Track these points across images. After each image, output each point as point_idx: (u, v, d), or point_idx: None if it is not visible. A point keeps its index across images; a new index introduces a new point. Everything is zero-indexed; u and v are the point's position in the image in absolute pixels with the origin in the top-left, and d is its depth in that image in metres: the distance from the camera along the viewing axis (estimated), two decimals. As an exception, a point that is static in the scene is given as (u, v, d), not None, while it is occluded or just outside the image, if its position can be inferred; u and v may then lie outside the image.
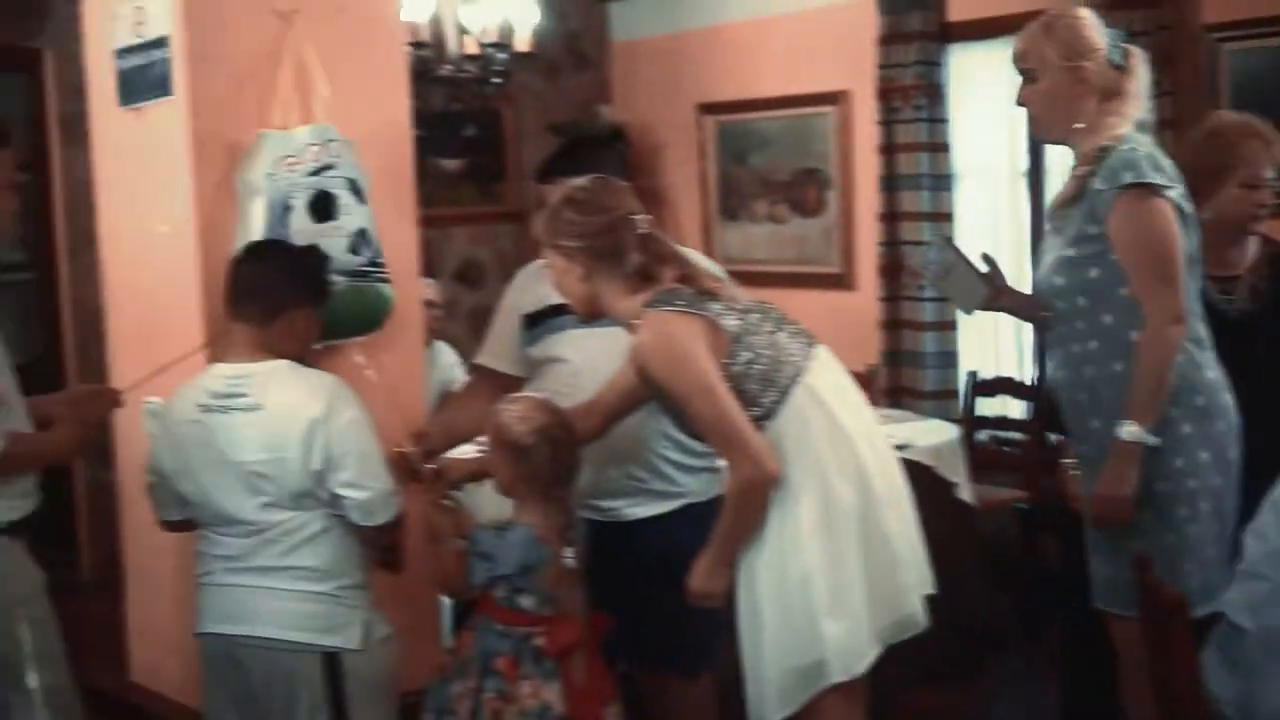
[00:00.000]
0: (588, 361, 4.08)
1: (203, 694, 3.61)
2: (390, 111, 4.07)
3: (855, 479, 3.47)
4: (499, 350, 4.28)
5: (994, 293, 4.07)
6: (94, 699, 4.24)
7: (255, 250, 3.66)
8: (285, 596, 3.47)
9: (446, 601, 4.79)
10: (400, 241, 4.01)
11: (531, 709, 3.58)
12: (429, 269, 8.22)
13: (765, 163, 7.99)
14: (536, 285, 4.24)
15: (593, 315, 3.59)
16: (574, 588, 3.69)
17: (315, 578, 3.48)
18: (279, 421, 3.46)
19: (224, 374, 3.52)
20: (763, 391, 3.39)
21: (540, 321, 4.17)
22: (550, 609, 3.63)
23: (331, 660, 3.47)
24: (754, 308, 3.48)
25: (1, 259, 7.09)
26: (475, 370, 4.37)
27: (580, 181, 3.54)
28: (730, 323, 3.40)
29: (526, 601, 3.60)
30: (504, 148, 8.53)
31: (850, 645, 3.45)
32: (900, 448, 5.51)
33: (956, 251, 4.06)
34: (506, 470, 3.68)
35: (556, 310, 4.15)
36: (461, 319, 8.21)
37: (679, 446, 4.12)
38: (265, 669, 3.47)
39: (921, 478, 5.21)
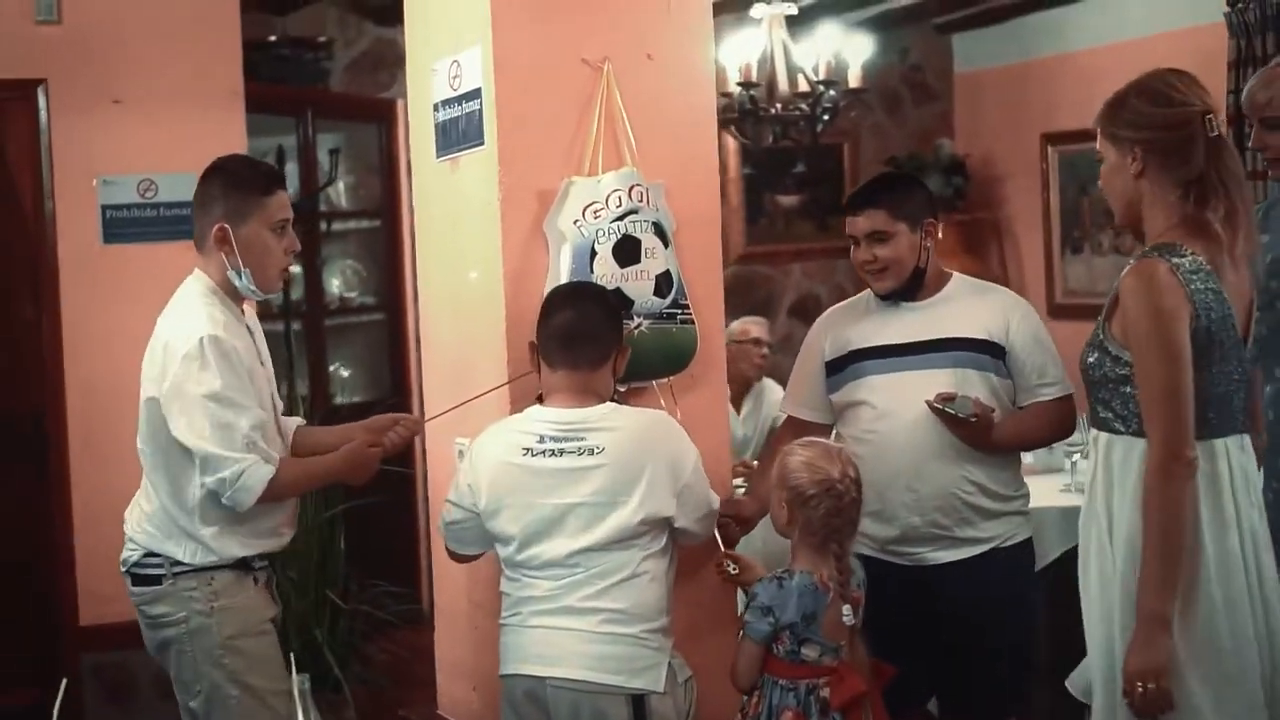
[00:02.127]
0: (890, 404, 4.04)
1: None
2: (698, 157, 4.09)
3: (1253, 549, 3.24)
4: (804, 398, 4.27)
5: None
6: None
7: (575, 296, 3.70)
8: (593, 639, 3.49)
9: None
10: (706, 284, 4.03)
11: None
12: (764, 305, 8.32)
13: (1110, 193, 7.76)
14: (841, 328, 4.22)
15: (1130, 224, 3.33)
16: (853, 643, 3.64)
17: (623, 620, 3.50)
18: (623, 466, 3.52)
19: (549, 418, 3.58)
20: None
21: (842, 367, 4.15)
22: (832, 658, 3.58)
23: (637, 703, 3.48)
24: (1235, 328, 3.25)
25: (354, 301, 7.43)
26: (785, 422, 4.37)
27: (1157, 70, 3.28)
28: (1213, 327, 3.18)
29: (809, 652, 3.57)
30: (843, 182, 8.52)
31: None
32: None
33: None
34: (784, 512, 3.66)
35: (858, 355, 4.13)
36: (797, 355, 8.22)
37: (983, 491, 4.04)
38: (571, 710, 3.50)
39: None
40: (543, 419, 3.59)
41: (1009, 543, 4.08)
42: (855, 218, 4.13)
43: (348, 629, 5.77)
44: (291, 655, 2.88)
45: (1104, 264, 7.83)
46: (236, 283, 3.81)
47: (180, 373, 3.66)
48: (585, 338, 3.61)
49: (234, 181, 3.84)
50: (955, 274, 4.23)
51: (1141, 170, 3.23)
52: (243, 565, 3.81)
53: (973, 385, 4.02)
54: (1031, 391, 4.07)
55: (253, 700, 3.77)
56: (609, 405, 3.62)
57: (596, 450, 3.52)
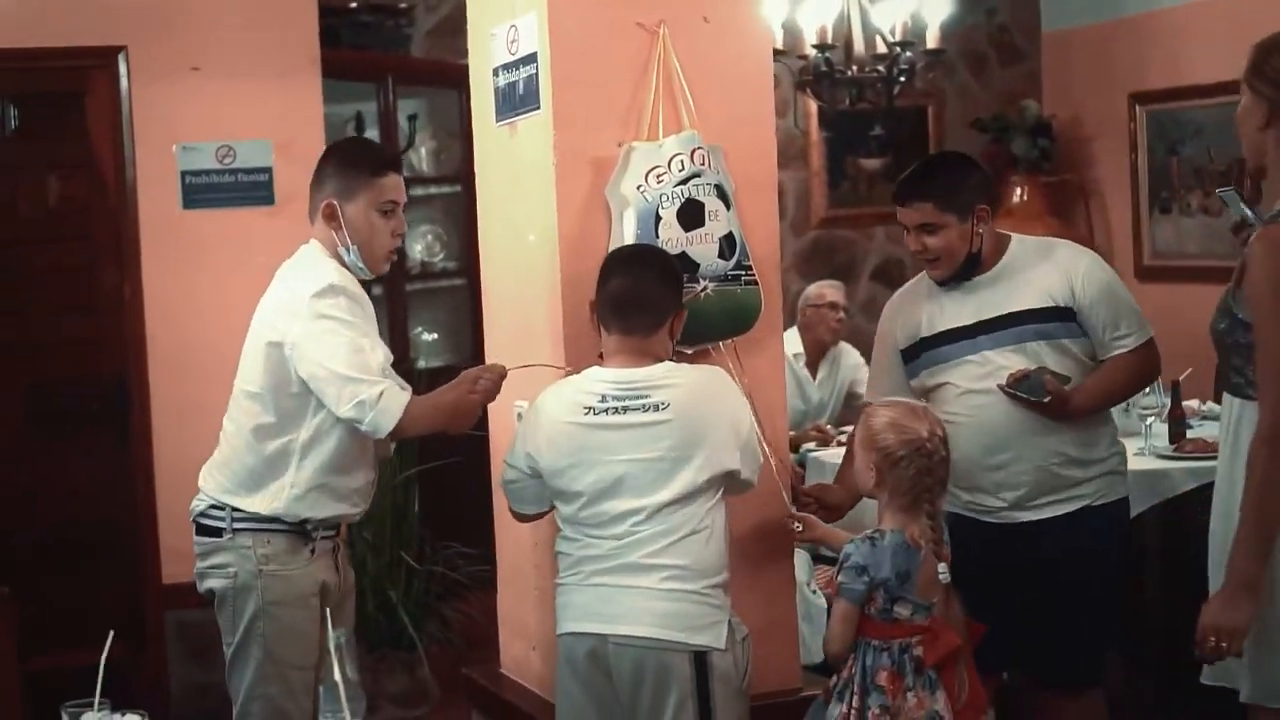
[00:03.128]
0: (969, 385, 4.04)
1: (558, 692, 3.70)
2: (755, 120, 4.07)
3: None
4: (886, 388, 4.26)
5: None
6: (472, 687, 4.47)
7: (631, 261, 3.72)
8: (657, 596, 3.51)
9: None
10: (763, 247, 4.02)
11: None
12: (846, 269, 8.29)
13: (1198, 153, 7.65)
14: (907, 315, 4.20)
15: (1256, 171, 3.32)
16: (948, 600, 3.63)
17: (686, 576, 3.52)
18: (689, 422, 3.55)
19: (610, 378, 3.61)
20: None
21: (916, 354, 4.15)
22: (924, 617, 3.57)
23: (700, 659, 3.51)
24: None
25: (436, 266, 7.49)
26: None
27: None
28: None
29: (903, 611, 3.56)
30: (928, 144, 8.46)
31: None
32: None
33: None
34: (872, 474, 3.65)
35: (928, 343, 4.12)
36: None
37: (1074, 461, 4.03)
38: (635, 667, 3.52)
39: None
40: (603, 379, 3.62)
41: (1100, 501, 4.07)
42: (904, 209, 4.12)
43: (423, 590, 5.85)
44: (328, 610, 2.92)
45: (1192, 225, 7.73)
46: (345, 259, 3.90)
47: (311, 311, 3.73)
48: (637, 305, 3.63)
49: (346, 160, 3.97)
50: (1014, 238, 4.20)
51: (1266, 124, 3.20)
52: (301, 531, 3.87)
53: (1044, 357, 4.00)
54: (1108, 346, 4.04)
55: (272, 668, 3.84)
56: (668, 364, 3.64)
57: (661, 407, 3.55)
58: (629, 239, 3.85)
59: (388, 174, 3.95)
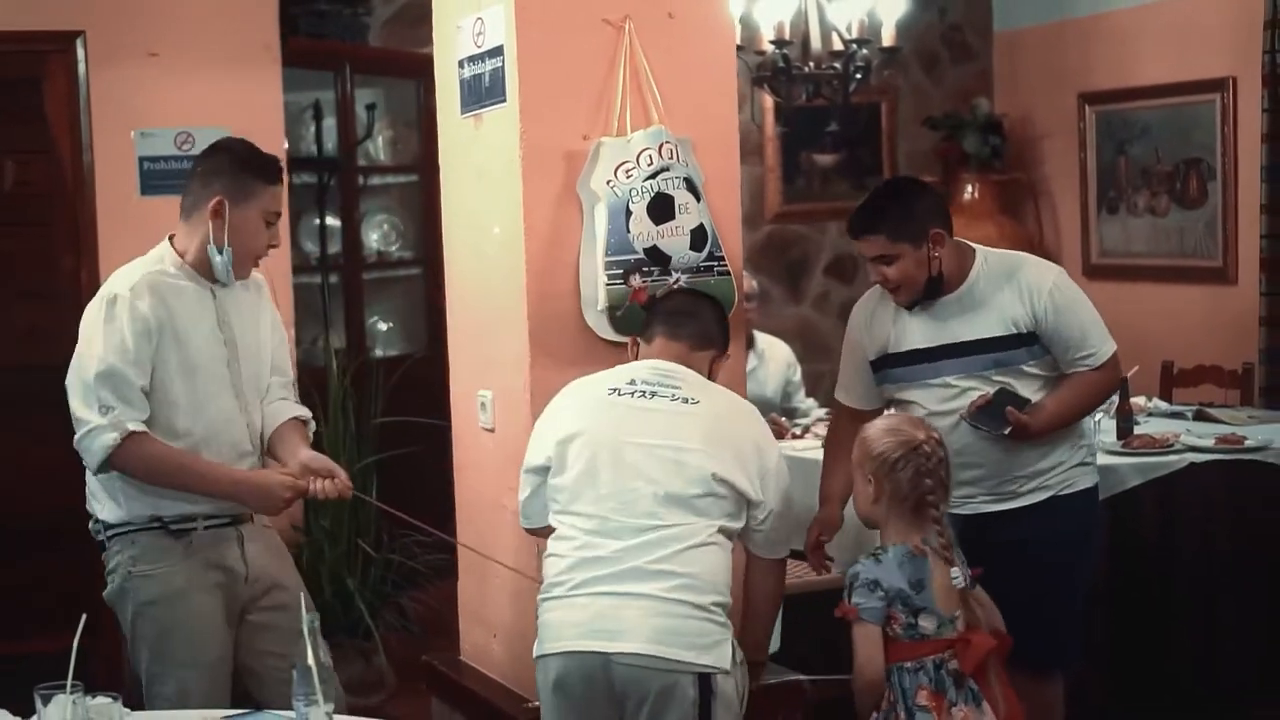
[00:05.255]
0: (934, 406, 4.08)
1: (548, 713, 3.50)
2: (719, 116, 4.13)
3: None
4: (857, 392, 4.30)
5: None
6: (432, 674, 4.51)
7: (693, 292, 3.86)
8: (661, 609, 3.36)
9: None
10: (726, 240, 4.07)
11: None
12: (799, 264, 8.36)
13: (1146, 153, 7.75)
14: (876, 327, 4.22)
15: None
16: (969, 603, 3.58)
17: (696, 587, 3.38)
18: (719, 422, 3.55)
19: (647, 365, 3.65)
20: None
21: (883, 367, 4.19)
22: (951, 630, 3.51)
23: (705, 681, 3.35)
24: None
25: (392, 255, 7.49)
26: (837, 407, 4.41)
27: None
28: None
29: (927, 624, 3.48)
30: (880, 141, 8.54)
31: None
32: (1257, 449, 5.22)
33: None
34: (869, 489, 3.59)
35: (893, 360, 4.16)
36: (833, 314, 8.28)
37: (1042, 459, 4.09)
38: (638, 687, 3.35)
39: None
40: (639, 366, 3.66)
41: (1067, 490, 4.13)
42: (858, 242, 4.13)
43: (380, 578, 5.86)
44: (303, 594, 2.94)
45: (1140, 224, 7.82)
46: (214, 259, 3.77)
47: (98, 306, 3.77)
48: (690, 317, 3.73)
49: (241, 163, 3.84)
50: (978, 255, 4.14)
51: None
52: (161, 527, 3.74)
53: (1007, 381, 4.06)
54: (1071, 364, 4.08)
55: (159, 668, 3.74)
56: (701, 376, 3.68)
57: (691, 400, 3.55)
58: (600, 233, 3.90)
59: (279, 184, 3.87)
